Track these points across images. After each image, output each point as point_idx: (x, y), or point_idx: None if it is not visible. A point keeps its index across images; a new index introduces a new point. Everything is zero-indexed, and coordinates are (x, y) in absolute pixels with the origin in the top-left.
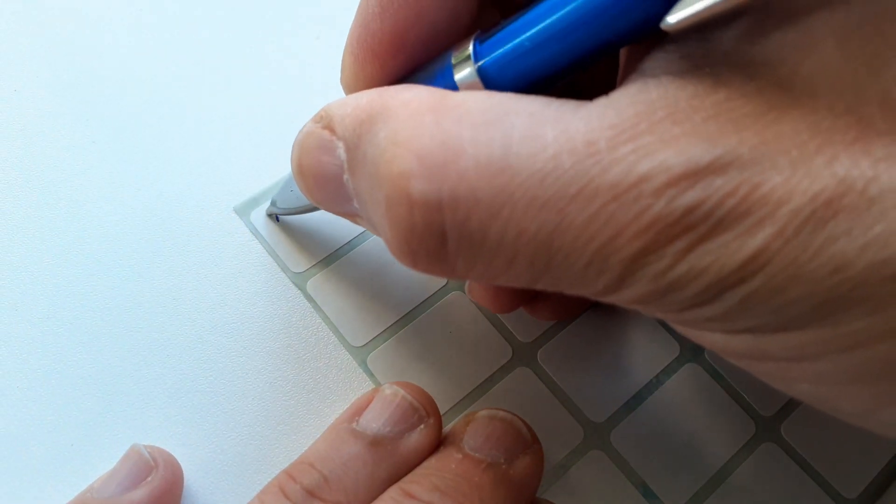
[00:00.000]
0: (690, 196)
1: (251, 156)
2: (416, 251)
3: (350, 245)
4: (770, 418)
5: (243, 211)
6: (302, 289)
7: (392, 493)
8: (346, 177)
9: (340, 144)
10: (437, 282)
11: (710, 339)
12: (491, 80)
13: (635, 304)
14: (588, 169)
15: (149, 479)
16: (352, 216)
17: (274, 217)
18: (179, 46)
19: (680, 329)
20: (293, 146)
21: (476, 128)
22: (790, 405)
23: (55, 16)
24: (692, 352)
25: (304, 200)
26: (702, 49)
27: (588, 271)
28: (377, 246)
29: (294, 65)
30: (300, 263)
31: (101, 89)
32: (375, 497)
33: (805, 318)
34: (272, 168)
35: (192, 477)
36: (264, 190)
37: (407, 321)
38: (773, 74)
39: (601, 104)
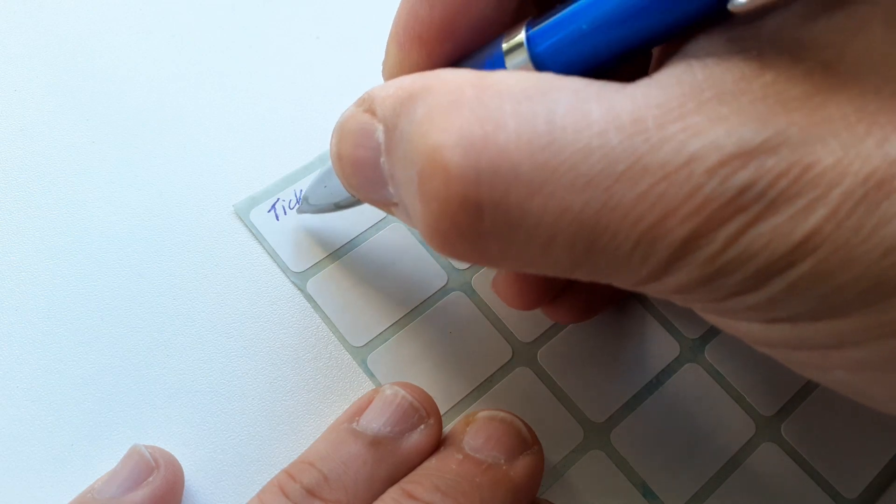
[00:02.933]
0: (743, 176)
1: (251, 156)
2: (449, 229)
3: (350, 245)
4: (770, 418)
5: (243, 211)
6: (302, 289)
7: (392, 492)
8: (382, 160)
9: (380, 127)
10: (437, 282)
11: (746, 329)
12: (544, 67)
13: (675, 294)
14: (637, 146)
15: (150, 479)
16: (387, 205)
17: (304, 212)
18: (179, 46)
19: (712, 319)
20: (333, 130)
21: (519, 102)
22: (790, 405)
23: (55, 16)
24: (692, 352)
25: (337, 196)
26: (747, 32)
27: (633, 255)
28: (377, 246)
29: (294, 65)
30: (300, 263)
31: (101, 89)
32: (375, 497)
33: (850, 305)
34: (272, 168)
35: (193, 477)
36: (264, 190)
37: (407, 321)
38: (819, 57)
39: (646, 84)
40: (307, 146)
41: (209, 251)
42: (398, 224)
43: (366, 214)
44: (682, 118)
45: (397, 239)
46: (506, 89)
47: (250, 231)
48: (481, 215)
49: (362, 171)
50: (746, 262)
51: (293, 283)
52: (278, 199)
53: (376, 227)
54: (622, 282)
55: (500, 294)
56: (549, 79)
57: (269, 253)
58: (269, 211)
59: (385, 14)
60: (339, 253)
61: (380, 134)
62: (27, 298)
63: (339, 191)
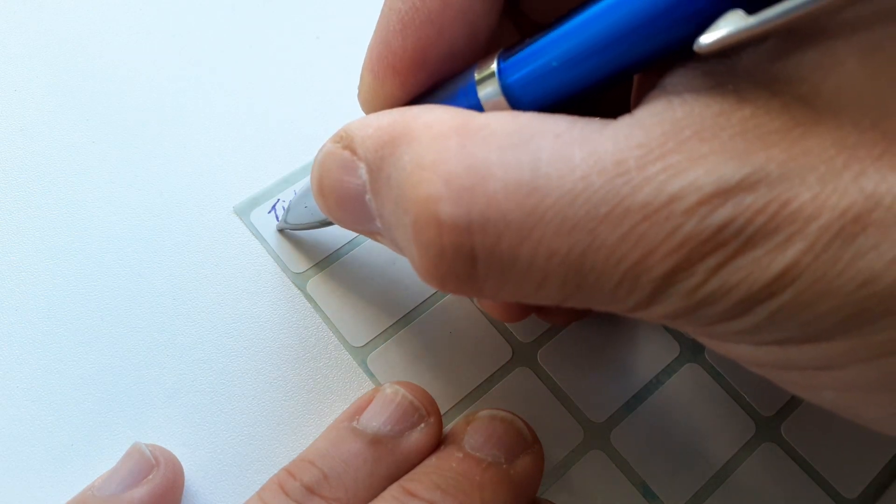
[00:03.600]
0: (721, 214)
1: (251, 156)
2: (446, 275)
3: (350, 245)
4: (770, 418)
5: (243, 211)
6: (302, 289)
7: (393, 491)
8: (368, 197)
9: (362, 165)
10: None
11: (737, 351)
12: (515, 98)
13: (664, 320)
14: (618, 189)
15: (150, 477)
16: (373, 234)
17: (284, 232)
18: (179, 46)
19: (705, 341)
20: (313, 165)
21: (503, 150)
22: (790, 405)
23: (55, 16)
24: (692, 352)
25: (318, 216)
26: (723, 66)
27: (619, 290)
28: (377, 246)
29: (294, 65)
30: (300, 263)
31: (101, 89)
32: (375, 495)
33: (833, 330)
34: (272, 168)
35: (193, 476)
36: (264, 190)
37: (407, 321)
38: (796, 92)
39: (626, 123)
40: (307, 146)
41: (209, 251)
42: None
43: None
44: (663, 158)
45: None
46: (490, 136)
47: (250, 231)
48: (475, 262)
49: (348, 206)
50: (727, 293)
51: (293, 283)
52: (278, 200)
53: None
54: (613, 310)
55: (488, 311)
56: (532, 123)
57: (269, 253)
58: (269, 211)
59: None
60: (339, 253)
61: (363, 172)
62: (27, 298)
63: (319, 213)
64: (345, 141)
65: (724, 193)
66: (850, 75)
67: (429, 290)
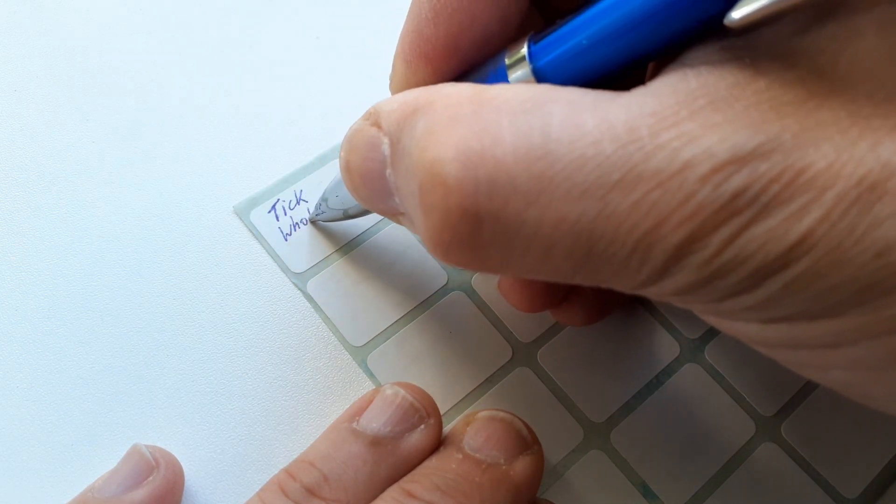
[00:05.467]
0: (736, 181)
1: (251, 156)
2: (450, 241)
3: (350, 245)
4: (770, 418)
5: (243, 211)
6: (302, 289)
7: (393, 492)
8: (388, 171)
9: (386, 140)
10: (437, 282)
11: (745, 330)
12: (546, 81)
13: (674, 296)
14: (630, 155)
15: (150, 478)
16: (394, 215)
17: (314, 223)
18: (179, 46)
19: (712, 320)
20: (342, 143)
21: (514, 115)
22: (790, 405)
23: (55, 16)
24: (692, 352)
25: (348, 205)
26: (741, 41)
27: (630, 261)
28: (377, 246)
29: (294, 65)
30: (300, 263)
31: (101, 89)
32: (375, 496)
33: (844, 305)
34: (272, 168)
35: (193, 477)
36: (264, 190)
37: (407, 321)
38: (812, 64)
39: (640, 93)
40: (307, 146)
41: (209, 251)
42: (398, 225)
43: (366, 216)
44: (676, 126)
45: (397, 239)
46: (503, 103)
47: (250, 231)
48: (480, 226)
49: (370, 183)
50: (741, 264)
51: (293, 283)
52: (278, 200)
53: (376, 227)
54: (621, 286)
55: (506, 296)
56: (546, 91)
57: (269, 253)
58: (269, 211)
59: (385, 15)
60: (338, 253)
61: (385, 147)
62: (27, 298)
63: (349, 200)
64: (372, 118)
65: (739, 161)
66: (867, 48)
67: (429, 290)
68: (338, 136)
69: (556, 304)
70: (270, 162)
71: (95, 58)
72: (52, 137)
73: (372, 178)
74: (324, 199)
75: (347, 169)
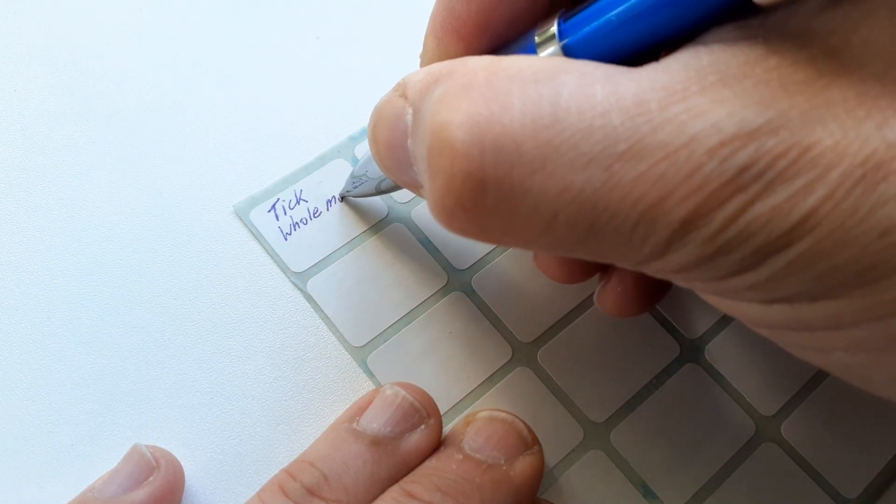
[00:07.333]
0: (742, 156)
1: (251, 156)
2: (454, 205)
3: (350, 245)
4: (770, 418)
5: (243, 211)
6: (302, 289)
7: (393, 492)
8: (409, 141)
9: (410, 110)
10: (437, 282)
11: (746, 310)
12: (575, 58)
13: (676, 273)
14: (638, 127)
15: (150, 479)
16: (416, 187)
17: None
18: (179, 46)
19: (712, 300)
20: (371, 114)
21: (526, 84)
22: (790, 405)
23: (55, 16)
24: (692, 352)
25: (378, 180)
26: (755, 21)
27: (634, 234)
28: (377, 246)
29: (294, 65)
30: (300, 263)
31: (101, 89)
32: (375, 496)
33: (847, 285)
34: (271, 168)
35: (193, 477)
36: (264, 190)
37: (407, 321)
38: (824, 44)
39: (651, 68)
40: (307, 146)
41: (209, 251)
42: (398, 224)
43: (365, 215)
44: (685, 100)
45: (397, 239)
46: (516, 73)
47: (250, 231)
48: (484, 191)
49: (394, 153)
50: (745, 240)
51: (293, 283)
52: (278, 199)
53: (376, 227)
54: (624, 261)
55: (541, 267)
56: (560, 63)
57: (269, 253)
58: (269, 211)
59: (385, 14)
60: (338, 253)
61: (409, 117)
62: (27, 298)
63: (379, 175)
64: (400, 88)
65: (746, 136)
66: (879, 28)
67: (429, 290)
68: (338, 137)
69: (591, 275)
70: (270, 162)
71: (95, 58)
72: (52, 137)
73: (395, 148)
74: (356, 176)
75: (374, 140)
